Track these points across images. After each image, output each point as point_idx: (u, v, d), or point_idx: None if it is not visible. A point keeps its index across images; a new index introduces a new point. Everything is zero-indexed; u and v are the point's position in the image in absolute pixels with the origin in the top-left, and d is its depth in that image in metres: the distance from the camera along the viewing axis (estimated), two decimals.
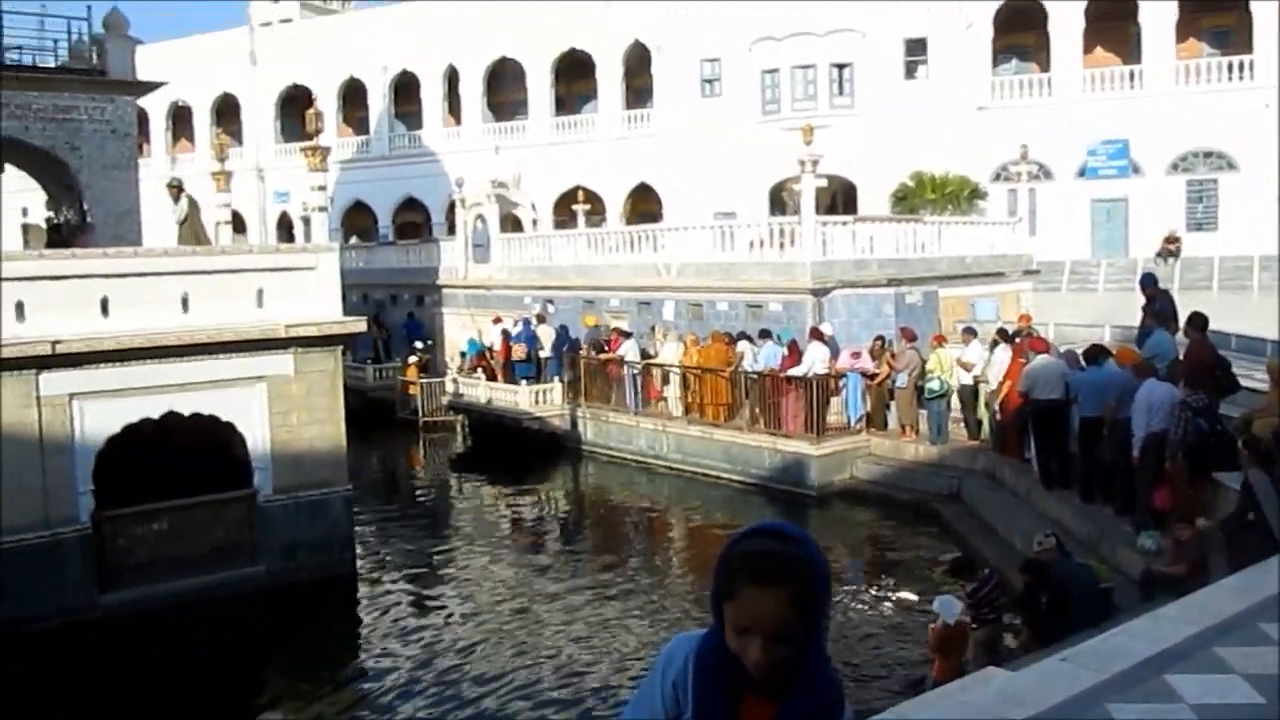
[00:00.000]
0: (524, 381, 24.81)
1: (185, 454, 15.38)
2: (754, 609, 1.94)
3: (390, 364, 31.01)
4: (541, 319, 26.74)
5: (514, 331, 26.54)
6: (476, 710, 11.32)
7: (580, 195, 34.49)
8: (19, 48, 22.12)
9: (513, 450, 24.21)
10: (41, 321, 13.89)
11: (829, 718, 2.06)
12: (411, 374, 28.91)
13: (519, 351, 25.56)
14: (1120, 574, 11.17)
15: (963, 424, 19.00)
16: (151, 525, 14.87)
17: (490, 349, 27.58)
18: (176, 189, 17.84)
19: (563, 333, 25.49)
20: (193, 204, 17.98)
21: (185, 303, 14.78)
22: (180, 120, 58.84)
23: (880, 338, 20.42)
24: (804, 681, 2.00)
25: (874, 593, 14.43)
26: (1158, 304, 15.24)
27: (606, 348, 24.06)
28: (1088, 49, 38.47)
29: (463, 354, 28.72)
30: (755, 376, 20.46)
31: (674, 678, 2.10)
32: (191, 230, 17.32)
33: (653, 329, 24.17)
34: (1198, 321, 12.63)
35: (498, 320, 28.04)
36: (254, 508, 15.36)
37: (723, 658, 2.00)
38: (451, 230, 35.81)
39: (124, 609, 14.07)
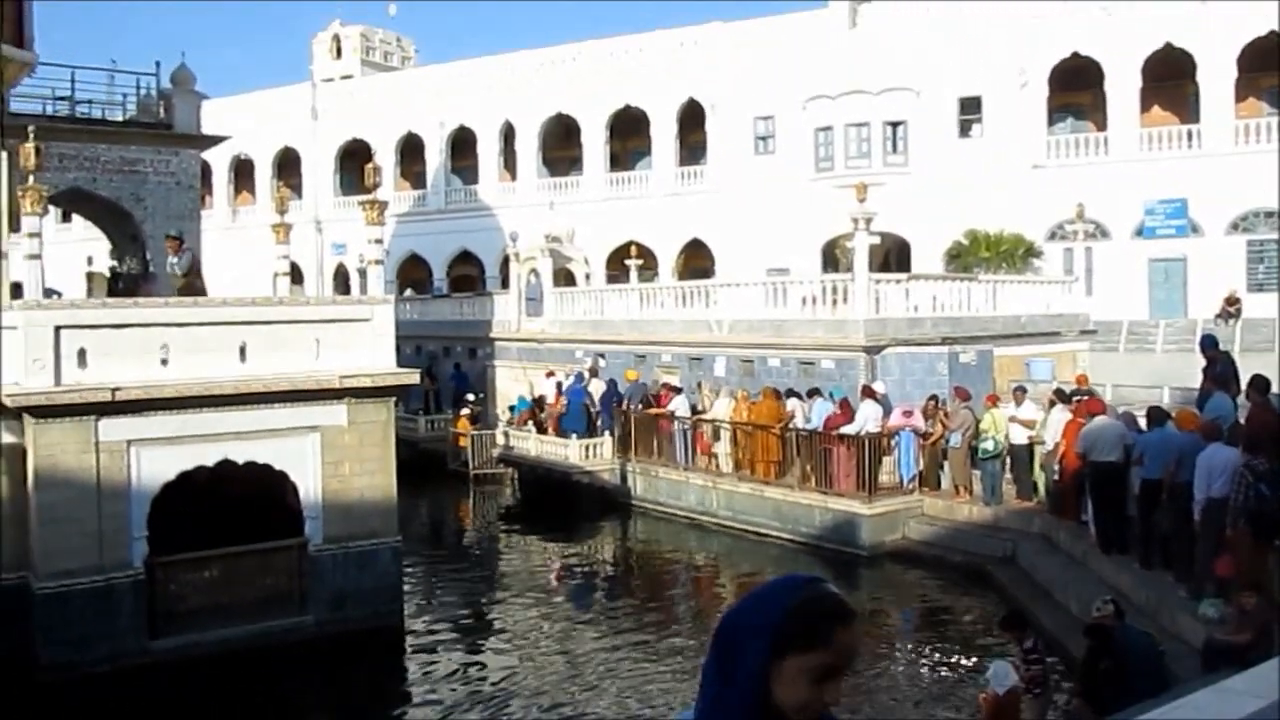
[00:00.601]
0: (574, 435, 24.85)
1: (238, 502, 15.46)
2: (853, 645, 1.96)
3: (441, 415, 31.22)
4: (594, 373, 26.80)
5: (565, 384, 26.69)
6: None
7: (633, 250, 34.85)
8: (90, 101, 22.71)
9: (562, 504, 24.28)
10: (102, 369, 14.05)
11: None
12: (463, 426, 29.04)
13: (563, 407, 25.60)
14: (1181, 643, 10.95)
15: (1015, 484, 18.84)
16: (203, 572, 14.94)
17: (540, 400, 27.78)
18: (177, 240, 17.75)
19: (611, 387, 25.56)
20: (194, 259, 17.96)
21: (243, 352, 14.95)
22: (242, 173, 59.76)
23: (934, 396, 20.29)
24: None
25: (924, 657, 14.22)
26: (1219, 366, 14.95)
27: (655, 402, 24.10)
28: (1144, 107, 38.15)
29: (511, 409, 28.90)
30: (806, 434, 20.44)
31: None
32: (189, 286, 17.03)
33: (699, 385, 24.12)
34: (1260, 384, 12.43)
35: (550, 374, 28.13)
36: (304, 557, 15.38)
37: None
38: (505, 283, 36.08)
39: (174, 655, 14.12)
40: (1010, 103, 38.98)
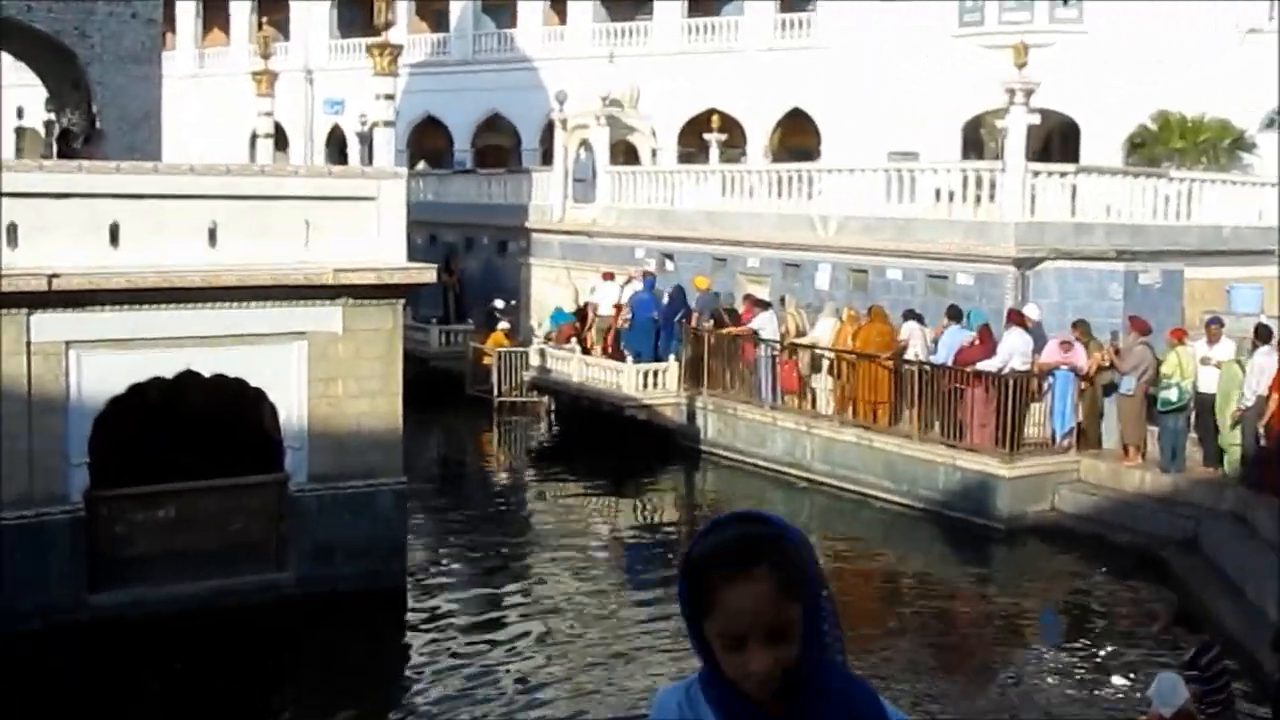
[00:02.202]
0: (634, 358, 25.13)
1: (202, 426, 15.75)
2: (739, 606, 2.05)
3: (463, 326, 31.67)
4: (652, 278, 27.17)
5: (628, 291, 26.82)
6: None
7: (715, 121, 34.83)
8: None
9: (610, 445, 24.66)
10: (37, 249, 14.04)
11: None
12: (497, 342, 29.44)
13: (624, 320, 25.83)
14: None
15: (1201, 446, 18.91)
16: (156, 512, 15.14)
17: (585, 311, 28.08)
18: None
19: (678, 296, 25.84)
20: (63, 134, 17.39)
21: (213, 235, 14.93)
22: (213, 6, 59.45)
23: (1081, 324, 20.13)
24: (811, 689, 2.12)
25: (1072, 664, 14.42)
26: None
27: (733, 320, 24.32)
28: None
29: (552, 319, 29.27)
30: (929, 369, 20.59)
31: None
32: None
33: (783, 299, 24.49)
34: None
35: (609, 276, 28.22)
36: (284, 497, 15.54)
37: (725, 695, 2.11)
38: (547, 159, 36.15)
39: (117, 612, 14.30)
40: None
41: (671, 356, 25.26)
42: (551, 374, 27.36)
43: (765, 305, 24.22)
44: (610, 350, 26.43)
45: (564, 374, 26.89)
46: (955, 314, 21.41)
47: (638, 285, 26.65)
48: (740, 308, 24.73)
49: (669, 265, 27.81)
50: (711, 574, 2.07)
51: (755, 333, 23.68)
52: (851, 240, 24.32)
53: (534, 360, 28.02)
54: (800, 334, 23.86)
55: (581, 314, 28.53)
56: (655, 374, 25.07)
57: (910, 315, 22.15)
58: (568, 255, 31.30)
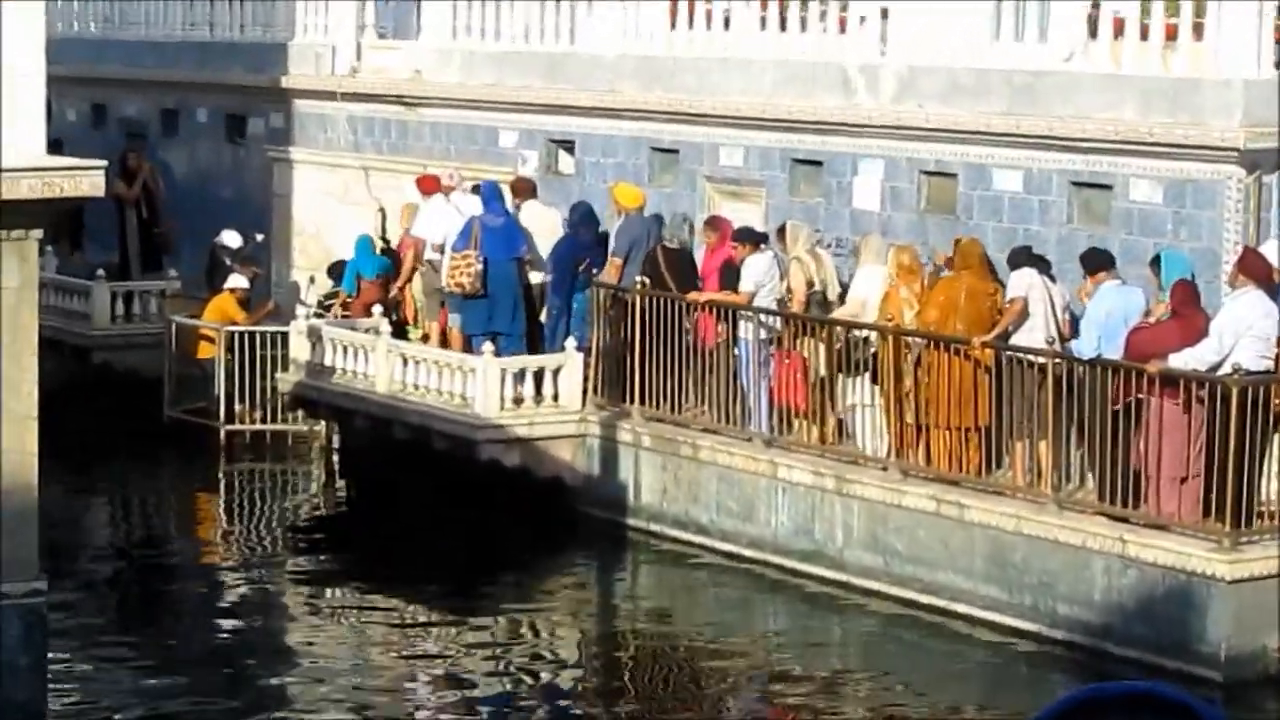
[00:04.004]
0: (489, 343, 21.91)
1: None
2: None
3: (158, 283, 28.67)
4: (527, 189, 23.63)
5: (467, 213, 23.25)
6: None
7: None
8: None
9: (451, 522, 22.32)
10: None
11: None
12: (224, 314, 26.23)
13: (465, 274, 22.60)
14: None
15: None
16: None
17: (397, 254, 25.31)
18: None
19: (581, 224, 22.71)
20: None
21: None
22: None
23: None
24: None
25: None
26: None
27: (682, 273, 21.55)
28: None
29: (334, 275, 26.05)
30: (1070, 365, 18.62)
31: None
32: None
33: (780, 231, 21.37)
34: None
35: (431, 184, 24.38)
36: None
37: None
38: None
39: None
40: None
41: (569, 342, 21.79)
42: (335, 378, 23.67)
43: (755, 242, 20.77)
44: (444, 336, 23.48)
45: (359, 378, 23.25)
46: (1110, 260, 19.14)
47: (488, 206, 23.17)
48: (704, 246, 21.86)
49: (565, 163, 25.41)
50: None
51: (742, 296, 20.57)
52: (922, 116, 21.42)
53: (300, 351, 24.17)
54: (820, 297, 20.69)
55: (395, 259, 25.06)
56: (537, 377, 21.76)
57: (1026, 259, 19.51)
58: (366, 143, 28.18)
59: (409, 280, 24.81)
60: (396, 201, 26.33)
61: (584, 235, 22.62)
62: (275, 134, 29.74)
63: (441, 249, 23.69)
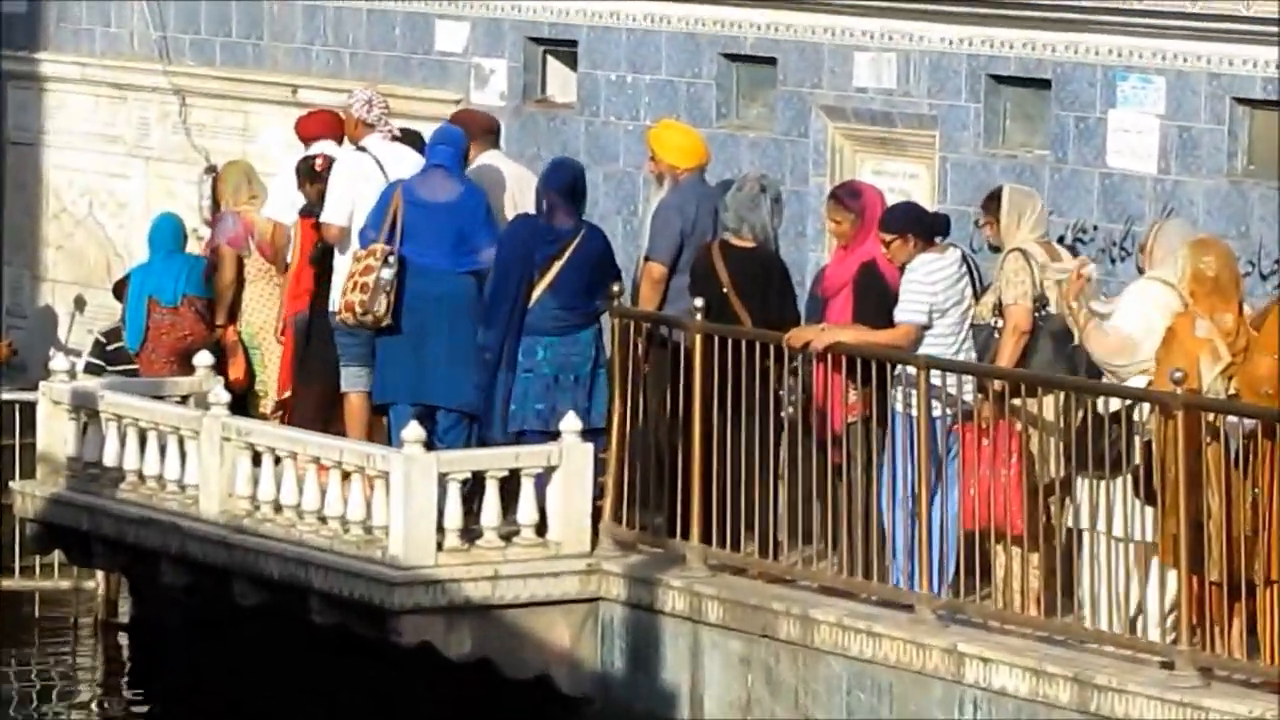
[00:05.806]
0: (413, 425, 16.15)
1: None
2: None
3: None
4: (483, 130, 18.47)
5: (381, 184, 17.53)
6: None
7: None
8: None
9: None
10: None
11: None
12: None
13: (359, 289, 17.12)
14: None
15: None
16: None
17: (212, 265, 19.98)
18: None
19: (559, 195, 17.45)
20: None
21: None
22: None
23: None
24: None
25: None
26: None
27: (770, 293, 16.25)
28: None
29: (121, 296, 20.50)
30: None
31: None
32: None
33: (989, 201, 17.42)
34: None
35: (321, 125, 18.84)
36: None
37: None
38: None
39: None
40: None
41: (568, 421, 15.49)
42: (123, 492, 17.92)
43: (926, 233, 15.14)
44: (287, 391, 17.97)
45: (169, 492, 17.23)
46: None
47: (409, 164, 17.50)
48: (833, 239, 16.69)
49: (558, 80, 20.91)
50: None
51: (900, 333, 14.95)
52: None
53: (53, 439, 18.52)
54: (1056, 326, 15.18)
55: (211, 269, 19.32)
56: (506, 489, 15.70)
57: None
58: (184, 44, 23.20)
59: (231, 307, 17.92)
60: (238, 153, 20.50)
61: (561, 219, 15.83)
62: (10, 25, 23.20)
63: (339, 243, 16.90)
